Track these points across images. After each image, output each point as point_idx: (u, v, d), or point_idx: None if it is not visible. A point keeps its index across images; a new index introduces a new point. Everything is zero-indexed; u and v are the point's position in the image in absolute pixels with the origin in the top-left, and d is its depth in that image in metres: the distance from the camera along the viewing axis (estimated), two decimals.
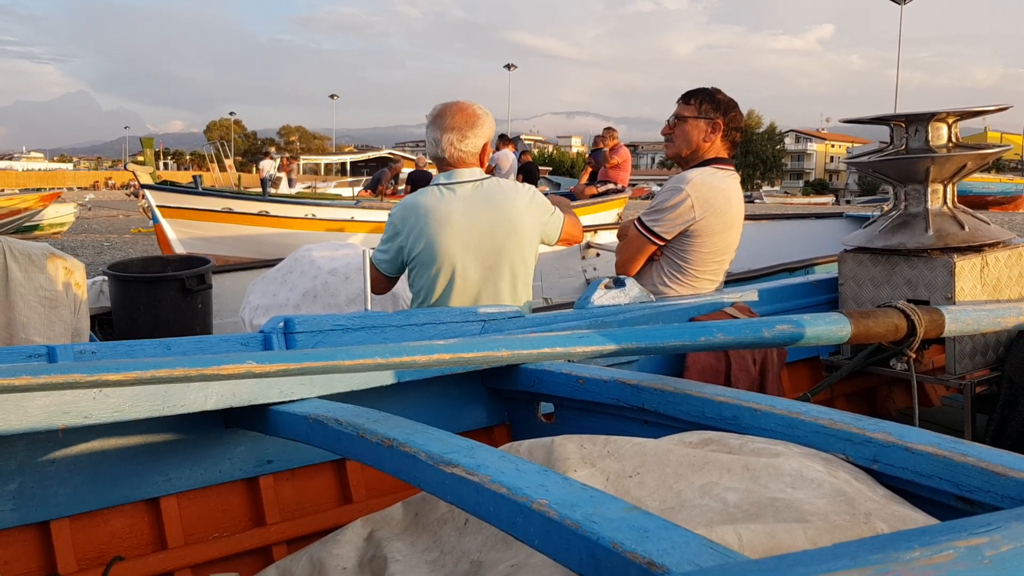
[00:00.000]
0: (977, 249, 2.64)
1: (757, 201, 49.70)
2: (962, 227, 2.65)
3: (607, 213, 10.81)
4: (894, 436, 1.37)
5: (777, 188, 71.62)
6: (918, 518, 1.23)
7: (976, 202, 27.43)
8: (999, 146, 2.79)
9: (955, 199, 2.75)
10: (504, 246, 2.66)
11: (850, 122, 2.90)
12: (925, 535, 0.78)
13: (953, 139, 2.69)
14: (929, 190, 2.69)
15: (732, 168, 2.91)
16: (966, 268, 2.56)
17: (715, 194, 2.79)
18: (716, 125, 2.86)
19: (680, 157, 2.95)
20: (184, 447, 1.75)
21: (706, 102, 2.88)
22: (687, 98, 2.94)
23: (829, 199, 46.86)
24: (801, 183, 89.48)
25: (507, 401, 2.22)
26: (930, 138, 2.65)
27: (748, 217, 6.49)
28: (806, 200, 47.19)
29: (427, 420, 2.06)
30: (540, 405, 2.11)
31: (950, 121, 2.67)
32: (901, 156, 2.70)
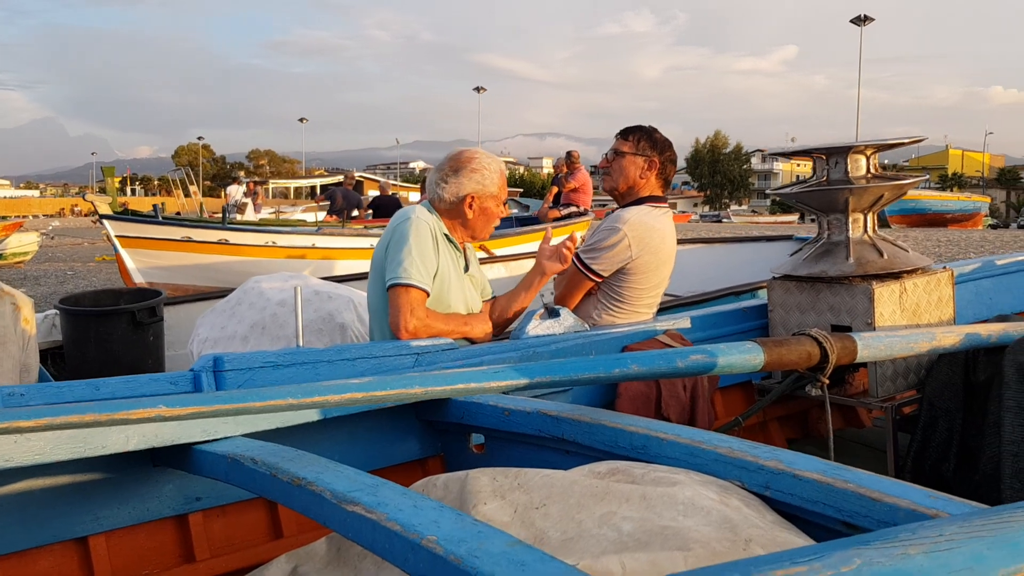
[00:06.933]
0: (896, 276, 2.74)
1: (725, 221, 50.23)
2: (881, 255, 2.75)
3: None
4: (784, 464, 1.44)
5: (744, 207, 72.43)
6: (798, 542, 1.29)
7: (935, 220, 27.99)
8: (915, 177, 2.90)
9: (875, 227, 2.86)
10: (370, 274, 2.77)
11: (778, 155, 3.00)
12: (752, 566, 0.85)
13: (871, 170, 2.80)
14: (850, 219, 2.80)
15: (666, 206, 3.01)
16: (885, 294, 2.66)
17: (651, 233, 2.87)
18: (652, 163, 2.96)
19: (616, 191, 3.03)
20: (112, 486, 1.78)
21: (644, 139, 2.98)
22: (626, 134, 3.03)
23: (795, 217, 47.53)
24: (768, 202, 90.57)
25: (441, 433, 2.27)
26: (849, 170, 2.76)
27: (701, 240, 6.62)
28: (773, 219, 47.79)
29: (358, 454, 2.12)
30: (472, 436, 2.16)
31: (868, 153, 2.79)
32: (822, 187, 2.80)
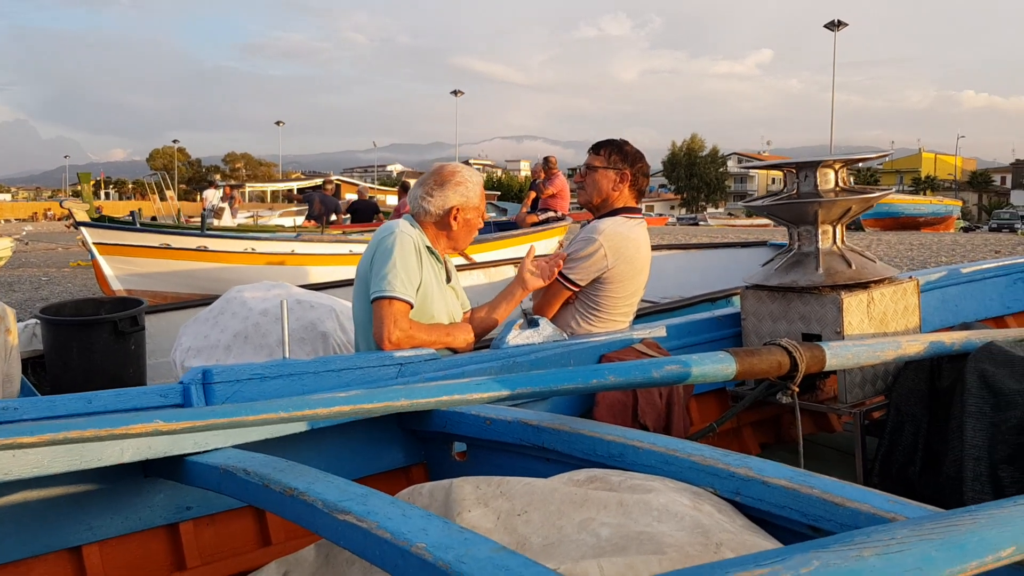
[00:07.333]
0: (864, 286, 2.84)
1: (701, 223, 50.56)
2: (850, 265, 2.85)
3: (548, 241, 10.99)
4: (753, 471, 1.52)
5: (721, 210, 72.90)
6: (766, 546, 1.37)
7: (908, 223, 28.37)
8: (882, 190, 3.01)
9: (844, 238, 2.96)
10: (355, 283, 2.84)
11: (749, 167, 3.11)
12: (720, 568, 0.92)
13: (840, 183, 2.90)
14: (820, 231, 2.90)
15: (640, 216, 3.10)
16: (853, 304, 2.76)
17: (626, 243, 2.96)
18: (624, 175, 3.05)
19: (591, 204, 3.12)
20: (104, 497, 1.83)
21: (615, 153, 3.07)
22: (597, 148, 3.12)
23: (770, 220, 47.85)
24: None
25: (424, 441, 2.33)
26: (819, 183, 2.86)
27: (677, 246, 6.72)
28: (748, 222, 48.14)
29: (344, 463, 2.17)
30: (454, 444, 2.22)
31: (836, 167, 2.89)
32: (793, 200, 2.90)
